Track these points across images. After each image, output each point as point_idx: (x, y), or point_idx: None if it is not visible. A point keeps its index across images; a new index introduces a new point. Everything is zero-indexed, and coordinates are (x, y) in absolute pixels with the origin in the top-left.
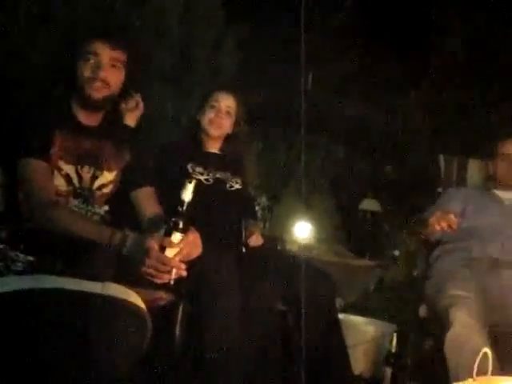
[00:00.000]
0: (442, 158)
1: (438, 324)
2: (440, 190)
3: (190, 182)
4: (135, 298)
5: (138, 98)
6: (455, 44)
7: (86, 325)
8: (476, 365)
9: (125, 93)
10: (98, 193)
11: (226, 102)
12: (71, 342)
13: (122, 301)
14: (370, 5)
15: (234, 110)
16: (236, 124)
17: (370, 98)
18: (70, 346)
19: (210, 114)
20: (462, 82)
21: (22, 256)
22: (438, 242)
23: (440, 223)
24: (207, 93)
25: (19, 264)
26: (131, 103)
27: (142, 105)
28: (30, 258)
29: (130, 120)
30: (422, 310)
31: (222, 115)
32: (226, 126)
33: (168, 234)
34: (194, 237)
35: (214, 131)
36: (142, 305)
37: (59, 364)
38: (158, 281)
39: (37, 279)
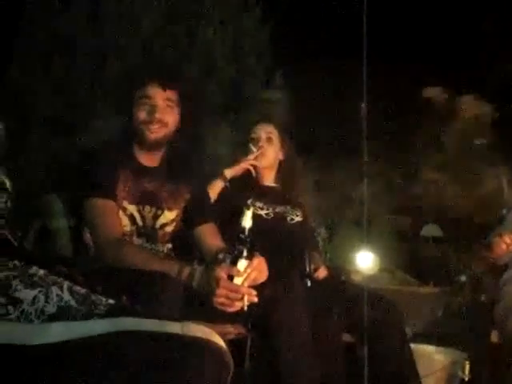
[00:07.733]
0: (504, 178)
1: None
2: (504, 211)
3: (248, 209)
4: (215, 337)
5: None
6: None
7: (167, 367)
8: None
9: (181, 131)
10: (161, 232)
11: (266, 130)
12: None
13: (203, 340)
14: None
15: (276, 136)
16: (284, 151)
17: None
18: None
19: (252, 148)
20: None
21: (103, 300)
22: (506, 267)
23: (506, 242)
24: (248, 128)
25: (102, 308)
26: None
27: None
28: (111, 301)
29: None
30: (494, 336)
31: (262, 144)
32: (270, 154)
33: (234, 262)
34: (260, 261)
35: (260, 162)
36: (223, 343)
37: None
38: (231, 309)
39: (116, 322)
